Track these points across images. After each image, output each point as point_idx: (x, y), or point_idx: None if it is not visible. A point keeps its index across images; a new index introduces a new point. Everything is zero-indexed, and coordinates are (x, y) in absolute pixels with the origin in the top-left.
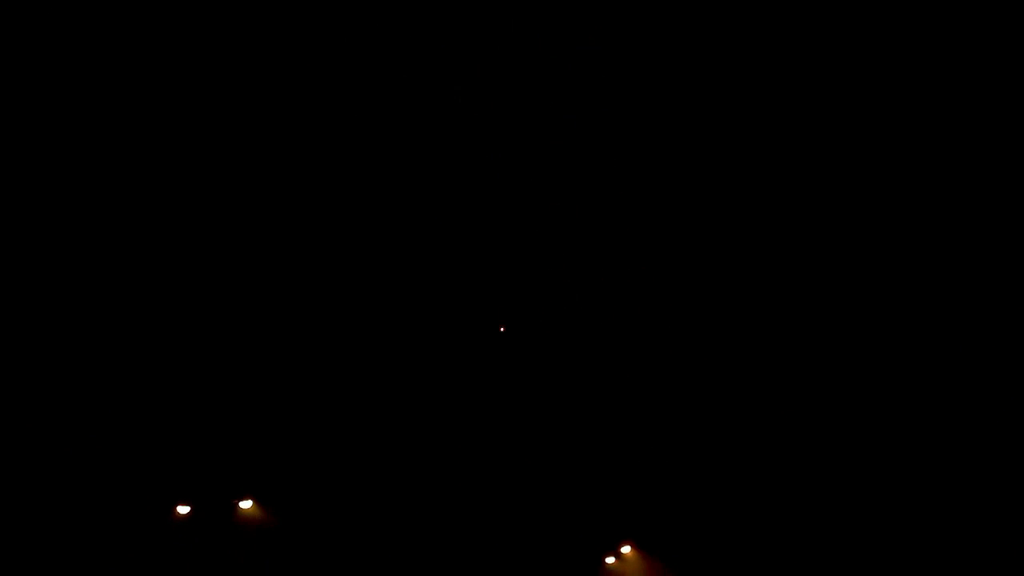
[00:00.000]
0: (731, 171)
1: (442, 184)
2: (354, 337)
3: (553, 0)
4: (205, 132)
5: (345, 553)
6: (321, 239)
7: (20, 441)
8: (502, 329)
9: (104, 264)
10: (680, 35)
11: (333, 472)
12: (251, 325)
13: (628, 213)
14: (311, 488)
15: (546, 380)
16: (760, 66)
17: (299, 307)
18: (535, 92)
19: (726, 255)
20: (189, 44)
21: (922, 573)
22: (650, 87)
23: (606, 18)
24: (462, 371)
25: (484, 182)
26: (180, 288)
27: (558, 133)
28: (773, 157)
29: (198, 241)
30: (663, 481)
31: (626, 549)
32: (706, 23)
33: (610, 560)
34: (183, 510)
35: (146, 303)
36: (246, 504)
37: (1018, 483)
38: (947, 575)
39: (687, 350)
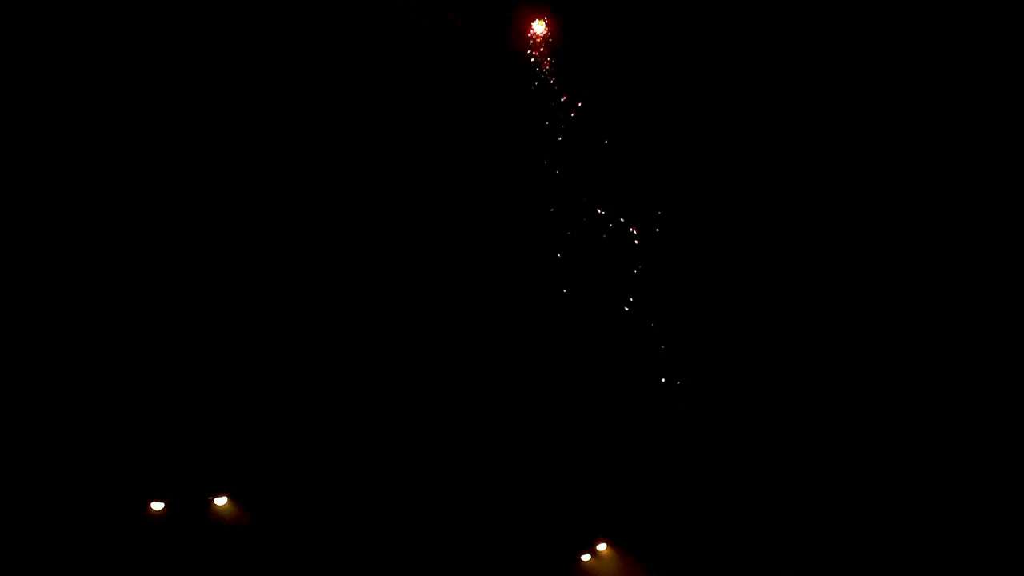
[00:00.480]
0: (731, 171)
1: (435, 183)
2: (327, 332)
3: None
4: (204, 132)
5: (320, 550)
6: (290, 233)
7: None
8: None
9: (72, 259)
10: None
11: (308, 469)
12: (224, 319)
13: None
14: (287, 485)
15: (520, 377)
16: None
17: (272, 302)
18: (533, 93)
19: (703, 252)
20: (189, 44)
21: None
22: (651, 87)
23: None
24: (435, 368)
25: (482, 182)
26: (153, 283)
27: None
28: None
29: (169, 236)
30: (638, 479)
31: (602, 547)
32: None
33: (586, 558)
34: (157, 507)
35: (119, 297)
36: (221, 501)
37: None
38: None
39: (660, 348)
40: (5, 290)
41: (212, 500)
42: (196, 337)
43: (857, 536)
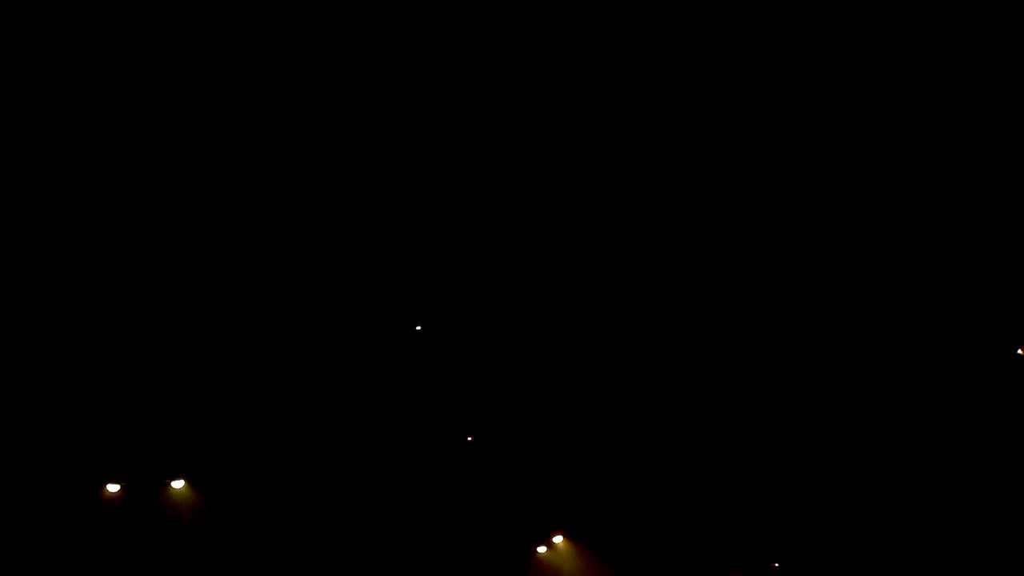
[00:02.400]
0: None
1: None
2: (290, 321)
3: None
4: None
5: (276, 536)
6: (240, 225)
7: None
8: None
9: (40, 246)
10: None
11: (267, 454)
12: (184, 304)
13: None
14: (244, 469)
15: (478, 372)
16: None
17: (236, 288)
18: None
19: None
20: (197, 44)
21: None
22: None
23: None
24: (395, 362)
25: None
26: (112, 268)
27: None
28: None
29: (140, 226)
30: (595, 472)
31: (558, 539)
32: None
33: (542, 550)
34: (113, 489)
35: (78, 282)
36: (178, 484)
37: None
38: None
39: (617, 342)
40: None
41: (169, 483)
42: (159, 319)
43: (814, 531)
